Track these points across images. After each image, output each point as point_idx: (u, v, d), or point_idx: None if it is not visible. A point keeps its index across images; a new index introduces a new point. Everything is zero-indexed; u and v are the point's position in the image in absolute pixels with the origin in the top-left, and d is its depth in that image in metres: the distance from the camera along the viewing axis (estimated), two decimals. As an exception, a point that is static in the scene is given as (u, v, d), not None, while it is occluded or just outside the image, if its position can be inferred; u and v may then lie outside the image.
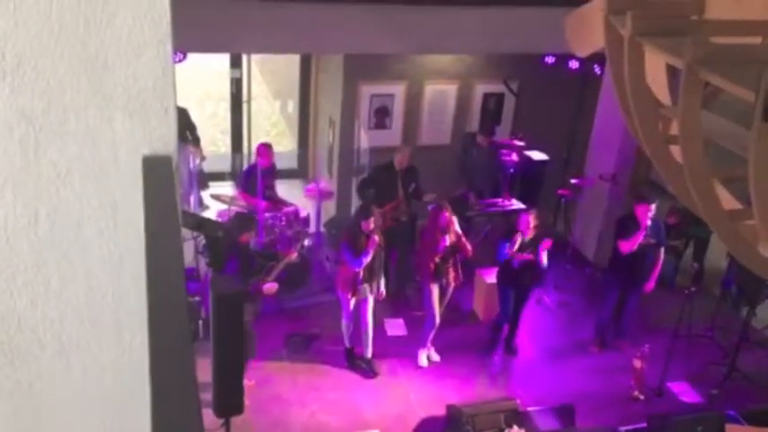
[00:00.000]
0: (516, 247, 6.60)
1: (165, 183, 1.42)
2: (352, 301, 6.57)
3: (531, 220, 6.63)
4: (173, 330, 1.03)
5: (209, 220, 7.20)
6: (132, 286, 1.63)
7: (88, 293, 1.63)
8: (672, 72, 2.98)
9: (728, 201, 2.94)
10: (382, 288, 6.72)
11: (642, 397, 6.64)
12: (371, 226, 6.35)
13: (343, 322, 6.73)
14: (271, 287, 6.11)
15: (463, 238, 6.75)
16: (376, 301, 6.71)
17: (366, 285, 6.52)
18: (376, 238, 6.34)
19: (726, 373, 6.90)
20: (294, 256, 6.44)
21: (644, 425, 6.00)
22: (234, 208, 7.87)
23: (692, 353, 7.13)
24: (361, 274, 6.44)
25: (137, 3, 1.48)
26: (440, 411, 6.24)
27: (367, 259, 6.36)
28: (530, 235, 6.63)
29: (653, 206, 6.61)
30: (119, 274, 1.63)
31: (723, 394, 6.72)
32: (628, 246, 6.72)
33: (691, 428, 5.71)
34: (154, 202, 1.33)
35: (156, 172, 1.46)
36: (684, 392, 6.77)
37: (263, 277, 6.10)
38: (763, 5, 2.76)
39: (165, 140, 1.57)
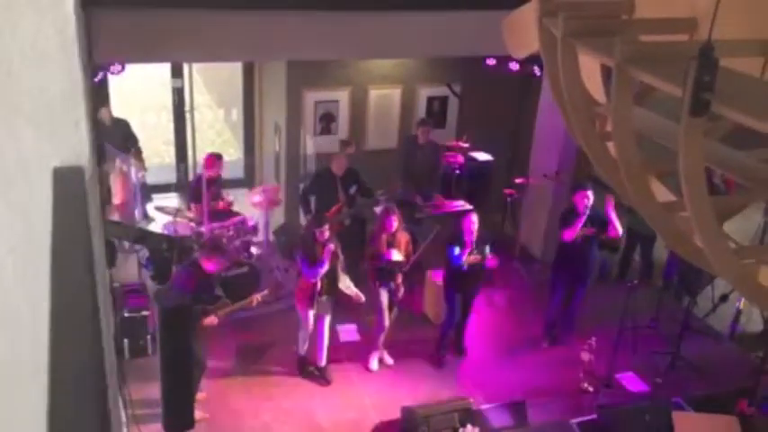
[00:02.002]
0: (468, 251, 6.64)
1: (75, 194, 1.38)
2: (311, 314, 6.50)
3: (474, 222, 6.66)
4: (78, 345, 1.00)
5: (151, 233, 7.07)
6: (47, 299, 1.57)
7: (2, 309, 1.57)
8: (606, 71, 3.07)
9: (664, 194, 3.04)
10: (353, 288, 6.61)
11: (591, 389, 6.79)
12: (326, 235, 6.31)
13: (300, 333, 6.66)
14: (212, 320, 5.81)
15: (410, 246, 6.77)
16: (355, 304, 6.67)
17: (326, 297, 6.46)
18: (331, 246, 6.30)
19: (670, 361, 7.12)
20: (255, 302, 6.22)
21: (594, 416, 6.14)
22: (179, 220, 7.74)
23: (637, 343, 7.32)
24: (319, 285, 6.38)
25: (40, 11, 1.42)
26: (394, 414, 6.25)
27: (323, 269, 6.30)
28: (474, 237, 6.66)
29: (589, 192, 6.77)
30: (32, 289, 1.57)
31: (668, 382, 6.92)
32: (569, 234, 6.87)
33: (639, 417, 5.87)
34: (64, 213, 1.29)
35: (67, 184, 1.41)
36: (632, 382, 6.95)
37: (214, 309, 5.85)
38: (689, 4, 2.86)
39: (76, 152, 1.52)
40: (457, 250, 6.65)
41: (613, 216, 6.76)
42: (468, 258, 6.66)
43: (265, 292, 6.30)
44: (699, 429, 5.69)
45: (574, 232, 6.85)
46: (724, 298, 7.90)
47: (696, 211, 2.19)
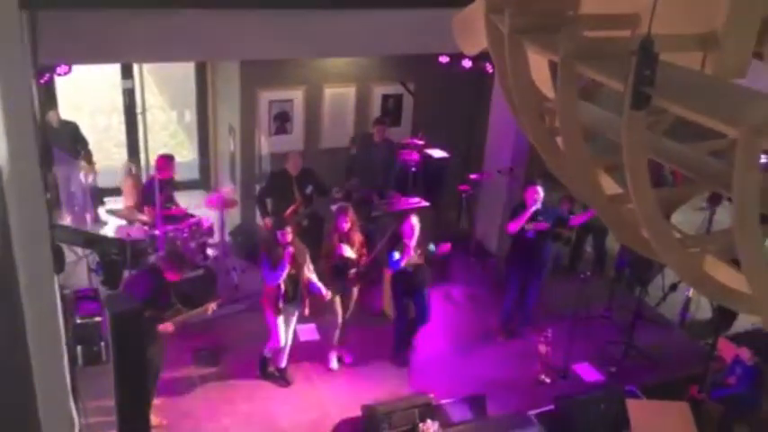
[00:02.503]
0: (409, 255, 6.59)
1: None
2: (280, 320, 6.42)
3: (414, 225, 6.59)
4: None
5: (100, 237, 6.92)
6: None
7: None
8: (554, 67, 3.12)
9: (612, 187, 3.11)
10: (324, 289, 6.52)
11: (548, 380, 6.90)
12: (288, 237, 6.26)
13: (270, 342, 6.56)
14: (166, 327, 5.70)
15: (363, 247, 6.77)
16: (319, 302, 6.61)
17: (292, 305, 6.41)
18: (291, 249, 6.24)
19: (623, 350, 7.28)
20: (210, 311, 6.15)
21: (551, 407, 6.24)
22: (134, 223, 7.61)
23: (591, 334, 7.48)
24: (283, 288, 6.32)
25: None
26: (355, 413, 6.25)
27: (284, 272, 6.26)
28: (413, 241, 6.60)
29: (539, 188, 6.90)
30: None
31: (622, 371, 7.08)
32: (513, 226, 6.99)
33: (594, 406, 5.99)
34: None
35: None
36: (587, 373, 7.09)
37: (169, 316, 5.75)
38: (632, 1, 2.93)
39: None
40: (396, 255, 6.61)
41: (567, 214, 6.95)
42: (408, 261, 6.63)
43: (220, 300, 6.22)
44: (652, 416, 5.83)
45: (518, 225, 6.96)
46: (674, 287, 8.11)
47: (640, 202, 2.25)
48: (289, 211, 7.57)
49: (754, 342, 6.26)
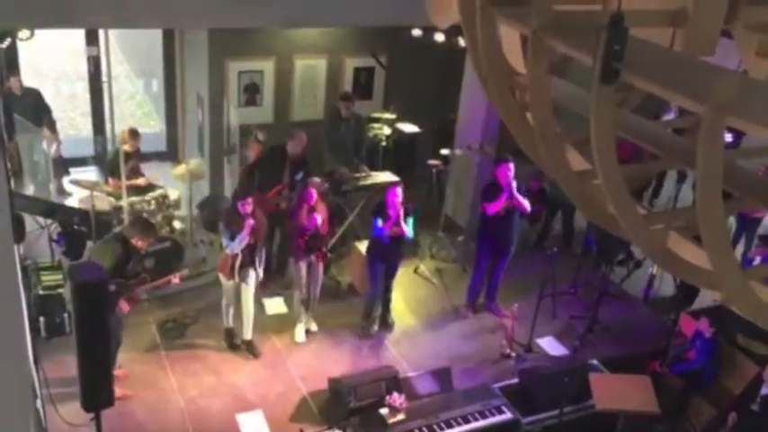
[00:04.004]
0: (392, 223, 6.69)
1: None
2: (231, 284, 6.44)
3: (398, 195, 6.66)
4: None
5: (62, 207, 6.78)
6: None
7: None
8: (526, 41, 3.10)
9: (580, 163, 3.11)
10: (260, 271, 6.60)
11: (514, 354, 6.99)
12: (249, 209, 6.22)
13: (223, 302, 6.60)
14: (123, 307, 5.64)
15: (325, 221, 6.75)
16: (258, 285, 6.61)
17: (248, 269, 6.40)
18: (251, 221, 6.22)
19: (588, 325, 7.40)
20: (171, 282, 6.09)
21: (516, 380, 6.34)
22: (97, 194, 7.46)
23: (557, 309, 7.58)
24: (240, 257, 6.31)
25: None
26: (322, 385, 6.28)
27: (242, 242, 6.22)
28: (398, 210, 6.69)
29: (511, 165, 6.91)
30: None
31: (586, 345, 7.20)
32: (493, 207, 7.01)
33: (558, 379, 6.09)
34: None
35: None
36: (551, 346, 7.19)
37: (134, 285, 5.70)
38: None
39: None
40: (380, 222, 6.68)
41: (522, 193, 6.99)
42: (391, 230, 6.70)
43: (184, 271, 6.17)
44: (614, 389, 5.95)
45: (497, 207, 6.98)
46: (638, 264, 8.25)
47: (607, 178, 2.25)
48: (273, 191, 7.42)
49: (714, 318, 6.41)
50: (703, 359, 6.44)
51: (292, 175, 7.48)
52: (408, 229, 6.79)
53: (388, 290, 7.18)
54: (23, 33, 7.20)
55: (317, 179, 7.25)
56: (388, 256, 6.95)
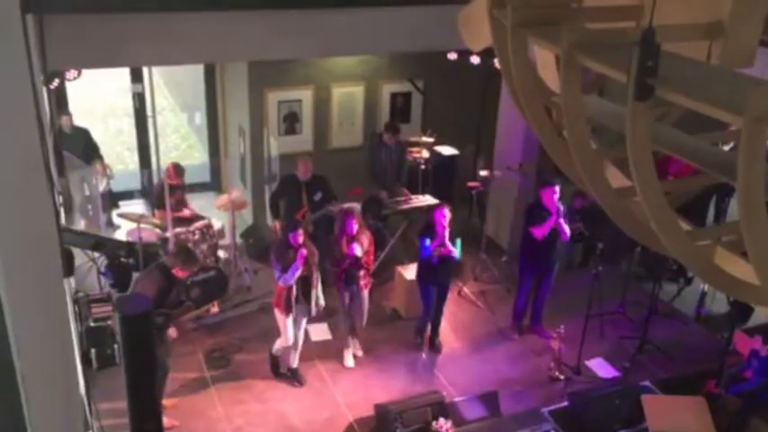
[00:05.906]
0: (438, 242, 6.68)
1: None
2: (290, 320, 6.42)
3: (445, 215, 6.72)
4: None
5: (109, 240, 6.95)
6: None
7: None
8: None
9: (620, 180, 3.07)
10: (321, 300, 6.58)
11: (562, 377, 6.85)
12: (300, 240, 6.26)
13: (279, 340, 6.57)
14: (172, 332, 5.77)
15: (371, 247, 6.76)
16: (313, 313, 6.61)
17: (304, 306, 6.41)
18: (304, 251, 6.25)
19: (638, 345, 7.21)
20: (210, 311, 6.19)
21: (566, 403, 6.21)
22: (144, 226, 7.63)
23: (605, 330, 7.42)
24: (295, 290, 6.32)
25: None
26: (368, 411, 6.25)
27: (296, 273, 6.24)
28: (445, 230, 6.72)
29: (557, 188, 6.84)
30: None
31: (637, 366, 7.01)
32: (540, 231, 6.93)
33: (609, 402, 5.95)
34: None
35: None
36: (601, 368, 7.03)
37: (178, 314, 5.81)
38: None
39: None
40: (428, 242, 6.69)
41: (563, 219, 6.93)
42: (438, 250, 6.70)
43: (221, 301, 6.25)
44: (668, 411, 5.77)
45: (544, 231, 6.91)
46: (689, 281, 8.04)
47: (645, 193, 2.22)
48: (299, 214, 7.52)
49: (770, 335, 6.19)
50: (760, 378, 6.21)
51: (310, 197, 7.65)
52: (456, 249, 6.79)
53: (439, 312, 7.15)
54: (71, 74, 7.46)
55: (355, 204, 7.28)
56: (438, 277, 6.95)
